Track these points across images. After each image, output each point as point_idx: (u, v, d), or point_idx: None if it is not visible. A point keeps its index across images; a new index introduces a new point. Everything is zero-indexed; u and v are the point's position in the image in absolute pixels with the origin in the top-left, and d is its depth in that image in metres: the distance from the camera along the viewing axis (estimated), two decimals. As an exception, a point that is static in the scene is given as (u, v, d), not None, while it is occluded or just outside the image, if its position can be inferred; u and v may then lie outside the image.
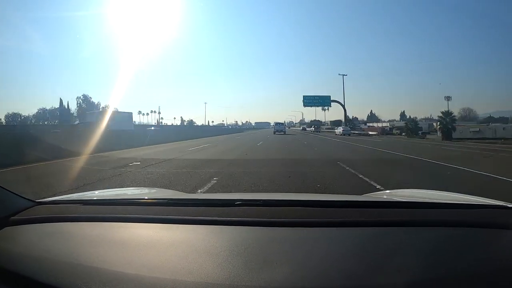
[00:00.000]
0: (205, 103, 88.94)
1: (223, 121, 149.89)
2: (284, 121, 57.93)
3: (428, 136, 29.53)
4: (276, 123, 42.86)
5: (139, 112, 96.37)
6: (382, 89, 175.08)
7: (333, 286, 0.66)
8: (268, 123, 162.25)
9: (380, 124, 57.90)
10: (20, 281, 0.71)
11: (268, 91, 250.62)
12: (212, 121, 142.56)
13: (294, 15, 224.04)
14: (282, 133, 36.78)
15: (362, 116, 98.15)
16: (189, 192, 4.21)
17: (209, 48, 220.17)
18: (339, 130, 38.23)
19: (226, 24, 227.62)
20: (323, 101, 54.38)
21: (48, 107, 75.98)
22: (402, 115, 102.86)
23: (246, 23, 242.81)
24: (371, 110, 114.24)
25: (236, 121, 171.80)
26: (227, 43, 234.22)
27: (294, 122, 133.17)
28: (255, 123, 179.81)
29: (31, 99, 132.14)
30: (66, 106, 75.31)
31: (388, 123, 57.88)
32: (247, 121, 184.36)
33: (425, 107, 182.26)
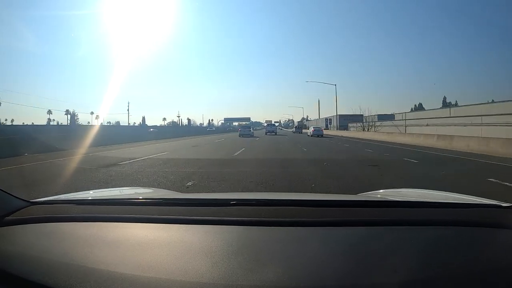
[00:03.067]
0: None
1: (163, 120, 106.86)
2: (280, 120, 61.28)
3: None
4: (268, 124, 48.39)
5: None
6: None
7: (327, 285, 0.67)
8: (258, 123, 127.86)
9: None
10: (14, 282, 0.70)
11: (266, 89, 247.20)
12: (166, 119, 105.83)
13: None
14: (274, 133, 39.19)
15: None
16: None
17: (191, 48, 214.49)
18: (310, 130, 35.72)
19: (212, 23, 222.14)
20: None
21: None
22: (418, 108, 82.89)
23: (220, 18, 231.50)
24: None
25: (189, 119, 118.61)
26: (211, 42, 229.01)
27: (295, 122, 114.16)
28: (225, 119, 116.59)
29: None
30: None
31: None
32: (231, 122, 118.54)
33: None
